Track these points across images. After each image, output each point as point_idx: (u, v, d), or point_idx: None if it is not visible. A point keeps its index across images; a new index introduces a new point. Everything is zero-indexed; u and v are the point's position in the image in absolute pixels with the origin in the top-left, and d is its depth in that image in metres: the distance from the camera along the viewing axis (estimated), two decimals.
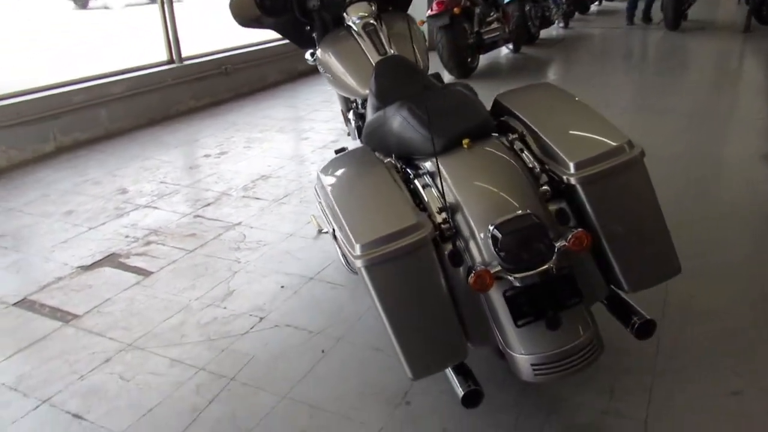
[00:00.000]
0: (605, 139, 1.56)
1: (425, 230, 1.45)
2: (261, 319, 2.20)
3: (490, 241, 1.46)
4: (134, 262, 2.66)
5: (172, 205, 3.24)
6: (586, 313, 1.51)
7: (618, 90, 5.45)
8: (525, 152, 1.65)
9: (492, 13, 6.27)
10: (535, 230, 1.44)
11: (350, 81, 2.36)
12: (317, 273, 2.48)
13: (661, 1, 8.48)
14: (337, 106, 3.81)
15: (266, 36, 5.96)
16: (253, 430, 1.69)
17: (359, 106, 2.59)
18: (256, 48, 5.91)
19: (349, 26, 2.46)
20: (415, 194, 1.63)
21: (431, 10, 5.73)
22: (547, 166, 1.60)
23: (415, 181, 1.66)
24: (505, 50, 7.29)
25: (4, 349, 2.09)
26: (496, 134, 1.73)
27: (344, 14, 2.49)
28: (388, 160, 1.81)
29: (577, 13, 10.09)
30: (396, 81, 2.14)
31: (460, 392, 1.48)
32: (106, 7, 13.80)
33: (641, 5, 9.12)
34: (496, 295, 1.47)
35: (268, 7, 2.41)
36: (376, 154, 1.93)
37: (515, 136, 1.69)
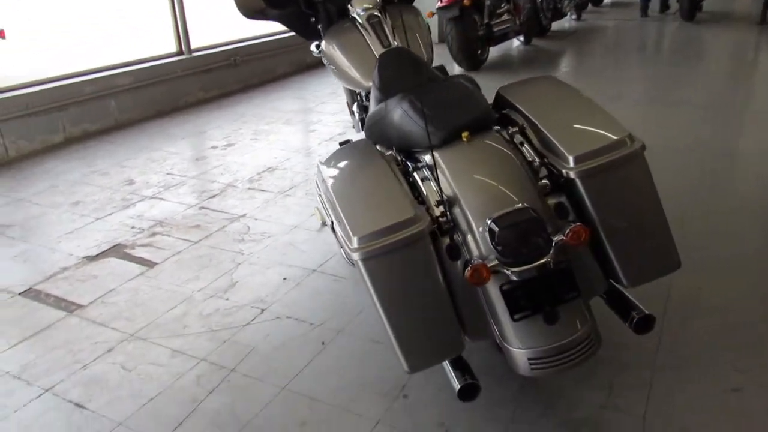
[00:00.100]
0: (605, 133, 1.54)
1: (422, 223, 1.45)
2: (263, 310, 2.21)
3: (487, 235, 1.45)
4: (139, 252, 2.68)
5: (178, 197, 3.26)
6: (584, 307, 1.50)
7: (631, 82, 5.39)
8: (525, 145, 1.64)
9: (502, 5, 6.21)
10: (532, 224, 1.43)
11: (354, 73, 2.35)
12: (320, 265, 2.49)
13: None
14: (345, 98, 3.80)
15: (275, 28, 5.95)
16: (251, 422, 1.70)
17: (363, 99, 2.58)
18: (265, 39, 5.90)
19: (354, 18, 2.45)
20: (414, 187, 1.63)
21: (441, 2, 5.68)
22: (546, 160, 1.59)
23: (414, 174, 1.66)
24: (516, 42, 7.23)
25: (9, 338, 2.12)
26: (498, 127, 1.72)
27: (349, 6, 2.48)
28: (390, 153, 1.81)
29: (590, 5, 9.98)
30: (399, 73, 2.12)
31: (457, 386, 1.48)
32: None
33: None
34: (493, 289, 1.46)
35: None
36: (378, 147, 1.93)
37: (515, 129, 1.68)
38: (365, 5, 2.43)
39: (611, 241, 1.53)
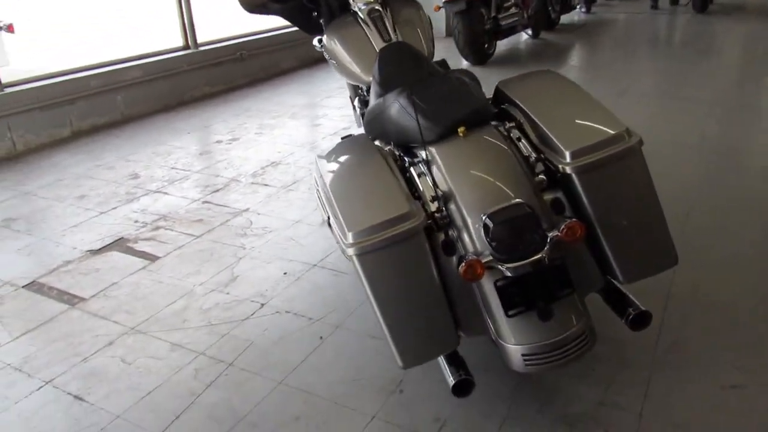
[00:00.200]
0: (602, 128, 1.53)
1: (417, 219, 1.44)
2: (262, 305, 2.22)
3: (482, 231, 1.45)
4: (142, 246, 2.70)
5: (182, 191, 3.28)
6: (579, 303, 1.49)
7: (640, 76, 5.34)
8: (522, 141, 1.63)
9: None
10: (527, 220, 1.42)
11: (354, 68, 2.34)
12: (320, 260, 2.49)
13: None
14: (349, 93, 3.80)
15: (282, 22, 5.94)
16: (248, 416, 1.71)
17: (365, 94, 2.58)
18: (272, 34, 5.90)
19: (355, 12, 2.44)
20: (411, 183, 1.62)
21: None
22: (543, 155, 1.58)
23: (411, 170, 1.65)
24: (524, 36, 7.18)
25: (12, 330, 2.14)
26: (496, 122, 1.71)
27: (350, 0, 2.47)
28: (389, 148, 1.80)
29: None
30: (399, 68, 2.12)
31: (451, 381, 1.48)
32: None
33: None
34: (487, 285, 1.46)
35: None
36: (377, 142, 1.93)
37: (512, 124, 1.67)
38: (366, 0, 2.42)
39: (608, 237, 1.52)
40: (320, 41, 2.61)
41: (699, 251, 2.37)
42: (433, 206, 1.53)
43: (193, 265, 2.52)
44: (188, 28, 5.16)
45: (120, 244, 2.73)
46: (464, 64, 5.96)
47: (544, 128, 1.59)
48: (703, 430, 1.58)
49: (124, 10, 11.87)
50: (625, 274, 1.53)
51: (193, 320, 2.15)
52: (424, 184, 1.58)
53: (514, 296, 1.42)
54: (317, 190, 1.81)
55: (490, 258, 1.42)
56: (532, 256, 1.41)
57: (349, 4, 2.49)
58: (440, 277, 1.48)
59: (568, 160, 1.51)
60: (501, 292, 1.43)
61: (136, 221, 2.94)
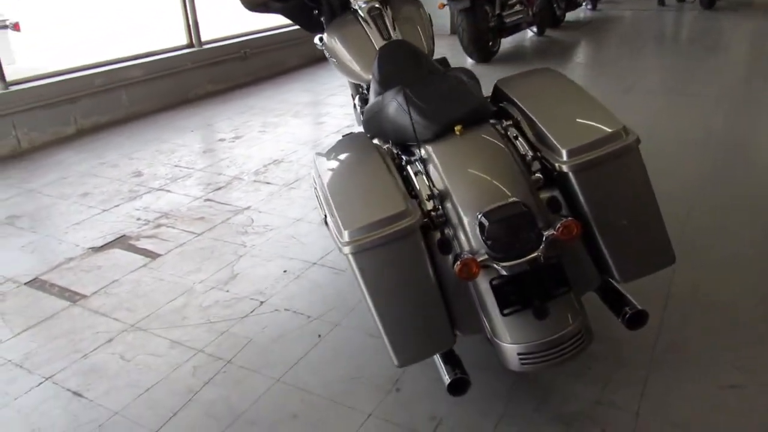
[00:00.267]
0: (599, 126, 1.53)
1: (413, 217, 1.44)
2: (261, 303, 2.22)
3: (477, 229, 1.44)
4: (143, 244, 2.71)
5: (185, 189, 3.29)
6: (576, 302, 1.49)
7: (646, 73, 5.31)
8: (519, 139, 1.62)
9: None
10: (522, 219, 1.42)
11: (355, 66, 2.35)
12: (320, 258, 2.50)
13: None
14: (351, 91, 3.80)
15: (285, 20, 5.94)
16: (245, 413, 1.71)
17: (365, 92, 2.57)
18: (275, 32, 5.90)
19: (356, 11, 2.44)
20: (408, 181, 1.62)
21: None
22: (540, 153, 1.58)
23: (408, 168, 1.65)
24: (529, 33, 7.16)
25: (13, 326, 2.16)
26: (494, 120, 1.70)
27: None
28: (387, 146, 1.80)
29: None
30: (398, 66, 2.12)
31: (447, 380, 1.48)
32: None
33: None
34: (483, 284, 1.46)
35: None
36: (376, 140, 1.93)
37: (509, 122, 1.67)
38: None
39: (604, 236, 1.51)
40: (321, 39, 2.61)
41: (699, 251, 2.36)
42: (430, 205, 1.53)
43: (193, 263, 2.53)
44: (192, 26, 5.17)
45: (122, 242, 2.74)
46: (468, 61, 5.95)
47: (541, 126, 1.59)
48: (701, 430, 1.57)
49: (125, 9, 11.90)
50: (621, 273, 1.53)
51: (193, 318, 2.16)
52: (420, 183, 1.58)
53: (509, 295, 1.42)
54: (315, 188, 1.81)
55: (486, 257, 1.42)
56: (528, 255, 1.41)
57: (349, 3, 2.49)
58: (436, 276, 1.48)
59: (564, 158, 1.50)
60: (496, 290, 1.43)
61: (138, 219, 2.95)
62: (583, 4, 8.39)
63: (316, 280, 2.35)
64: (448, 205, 1.52)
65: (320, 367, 1.88)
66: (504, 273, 1.42)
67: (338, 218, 1.48)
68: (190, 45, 5.21)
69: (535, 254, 1.41)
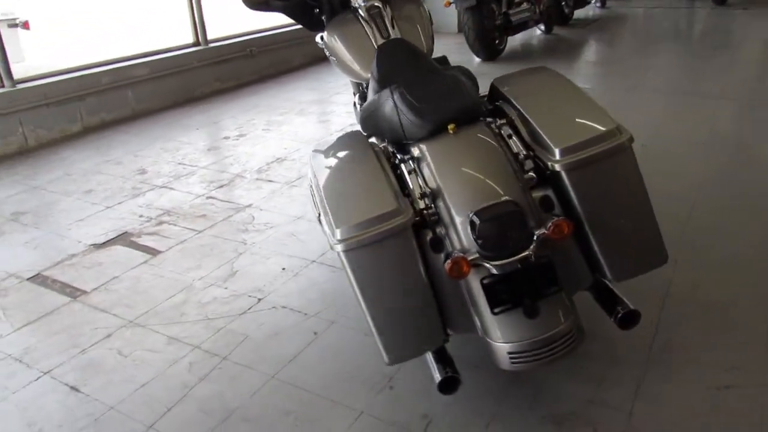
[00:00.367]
0: (592, 125, 1.52)
1: (405, 216, 1.45)
2: (259, 300, 2.23)
3: (468, 228, 1.44)
4: (145, 241, 2.73)
5: (188, 186, 3.31)
6: (567, 301, 1.48)
7: (654, 72, 5.26)
8: (513, 138, 1.62)
9: None
10: (513, 217, 1.42)
11: (354, 65, 2.35)
12: (319, 256, 2.50)
13: None
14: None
15: (290, 19, 5.96)
16: (238, 409, 1.72)
17: (366, 91, 2.58)
18: (281, 31, 5.92)
19: (356, 9, 2.44)
20: (402, 180, 1.63)
21: None
22: (533, 152, 1.57)
23: (402, 166, 1.65)
24: (537, 31, 7.13)
25: (14, 321, 2.18)
26: (490, 119, 1.70)
27: None
28: (384, 144, 1.81)
29: None
30: (396, 65, 2.11)
31: (437, 378, 1.48)
32: None
33: None
34: (474, 283, 1.46)
35: None
36: (373, 138, 1.93)
37: (503, 121, 1.66)
38: None
39: (596, 235, 1.51)
40: (322, 38, 2.62)
41: (699, 251, 2.34)
42: (422, 203, 1.53)
43: (194, 260, 2.54)
44: (198, 24, 5.19)
45: (124, 239, 2.76)
46: (475, 60, 5.93)
47: (535, 125, 1.59)
48: (694, 430, 1.56)
49: (120, 9, 11.93)
50: (614, 273, 1.52)
51: (191, 314, 2.18)
52: (413, 181, 1.59)
53: (500, 294, 1.42)
54: (310, 186, 1.82)
55: (477, 255, 1.42)
56: (519, 254, 1.41)
57: (350, 1, 2.49)
58: (428, 275, 1.49)
59: (557, 157, 1.50)
60: (487, 289, 1.43)
61: (141, 216, 2.98)
62: (592, 1, 8.34)
63: (314, 278, 2.35)
64: (441, 203, 1.53)
65: (315, 365, 1.88)
66: (495, 272, 1.42)
67: (330, 216, 1.48)
68: (197, 43, 5.23)
69: (526, 253, 1.41)
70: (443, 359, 1.53)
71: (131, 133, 4.31)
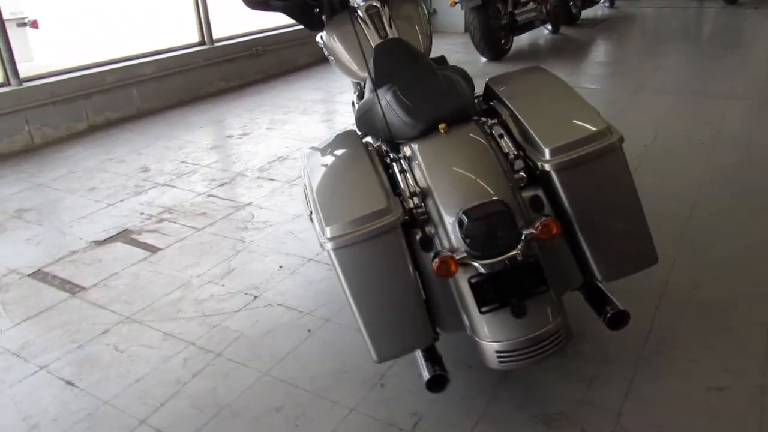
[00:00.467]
0: (583, 125, 1.52)
1: (394, 215, 1.45)
2: (255, 297, 2.25)
3: (457, 227, 1.45)
4: (145, 238, 2.75)
5: (189, 184, 3.33)
6: (555, 301, 1.48)
7: (661, 72, 5.22)
8: (504, 138, 1.62)
9: None
10: (501, 217, 1.42)
11: (352, 65, 2.37)
12: (316, 254, 2.51)
13: None
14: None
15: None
16: (230, 405, 1.74)
17: (364, 90, 2.59)
18: (286, 30, 5.94)
19: (354, 9, 2.45)
20: (394, 179, 1.63)
21: None
22: (523, 152, 1.57)
23: (394, 166, 1.66)
24: (545, 31, 7.10)
25: (13, 317, 2.21)
26: (483, 119, 1.71)
27: None
28: (378, 143, 1.82)
29: None
30: (393, 65, 2.12)
31: (426, 376, 1.49)
32: None
33: None
34: (462, 282, 1.46)
35: None
36: (369, 137, 1.94)
37: (494, 121, 1.67)
38: None
39: (586, 235, 1.51)
40: (321, 38, 2.63)
41: (699, 251, 2.33)
42: (412, 202, 1.53)
43: (192, 257, 2.56)
44: (204, 24, 5.22)
45: (124, 236, 2.79)
46: (481, 60, 5.92)
47: (526, 125, 1.59)
48: (682, 431, 1.56)
49: (129, 8, 12.01)
50: (603, 273, 1.52)
51: (187, 311, 2.19)
52: (404, 181, 1.59)
53: (487, 293, 1.43)
54: (304, 184, 1.83)
55: (465, 254, 1.42)
56: (506, 253, 1.41)
57: (349, 1, 2.50)
58: (418, 273, 1.49)
59: (547, 157, 1.50)
60: (475, 288, 1.43)
61: (142, 213, 3.00)
62: (601, 1, 8.30)
63: (310, 276, 2.37)
64: (430, 202, 1.53)
65: (308, 362, 1.89)
66: (482, 271, 1.42)
67: (320, 214, 1.49)
68: (202, 42, 5.27)
69: (514, 253, 1.41)
70: (432, 357, 1.53)
71: (136, 131, 4.34)
